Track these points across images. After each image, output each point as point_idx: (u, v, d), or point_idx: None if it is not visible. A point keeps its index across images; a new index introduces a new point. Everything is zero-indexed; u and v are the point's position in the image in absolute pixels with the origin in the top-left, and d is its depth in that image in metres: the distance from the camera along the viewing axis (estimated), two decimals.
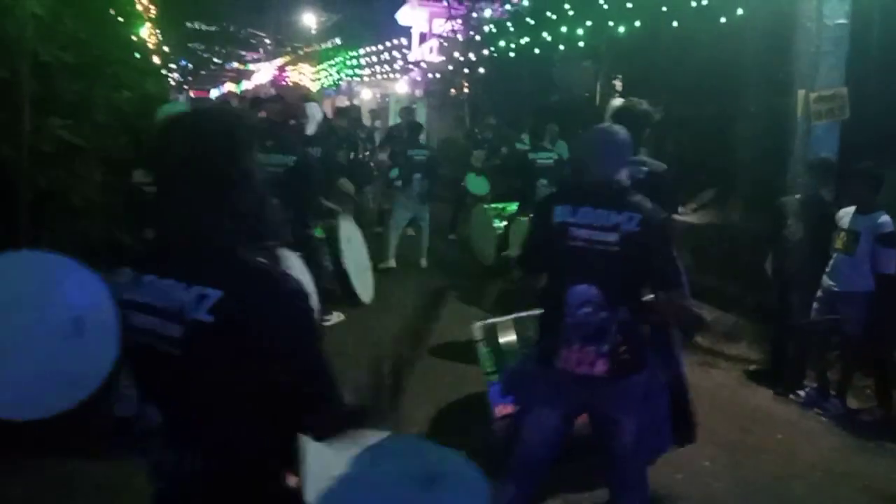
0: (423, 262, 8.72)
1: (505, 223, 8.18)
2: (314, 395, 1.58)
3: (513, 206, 8.31)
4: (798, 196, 5.39)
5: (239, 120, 1.69)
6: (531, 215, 3.13)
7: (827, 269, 4.97)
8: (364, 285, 5.95)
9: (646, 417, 2.85)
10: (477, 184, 9.76)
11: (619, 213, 2.61)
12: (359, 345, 5.23)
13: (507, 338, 4.08)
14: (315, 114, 6.55)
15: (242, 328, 1.46)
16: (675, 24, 8.33)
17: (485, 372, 4.03)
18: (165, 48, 12.28)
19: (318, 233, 5.75)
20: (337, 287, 5.77)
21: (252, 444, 1.55)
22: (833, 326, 4.99)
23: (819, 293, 5.03)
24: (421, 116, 18.19)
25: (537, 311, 2.98)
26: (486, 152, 10.19)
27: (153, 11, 9.67)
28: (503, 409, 3.79)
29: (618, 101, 4.08)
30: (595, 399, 2.75)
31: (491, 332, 4.10)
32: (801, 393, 5.18)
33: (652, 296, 2.77)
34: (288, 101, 6.40)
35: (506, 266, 8.06)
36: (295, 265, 1.84)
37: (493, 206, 8.87)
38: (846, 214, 4.91)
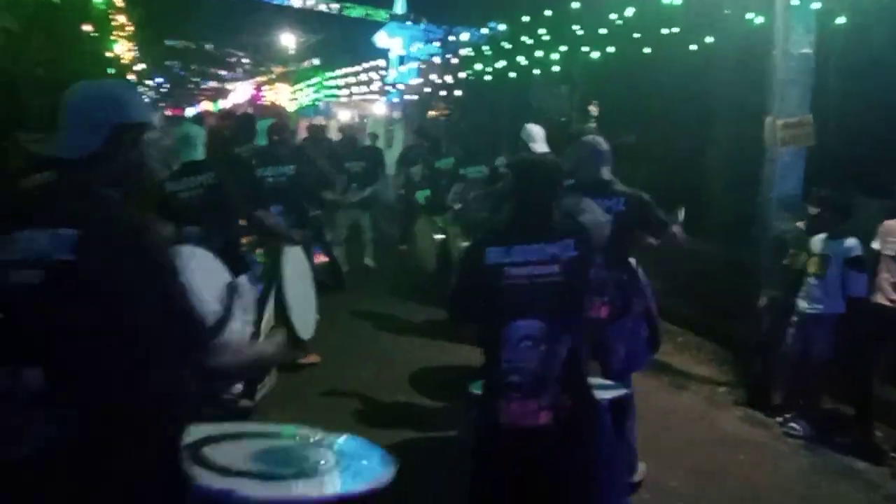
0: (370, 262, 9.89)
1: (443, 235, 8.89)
2: (187, 338, 1.62)
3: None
4: (799, 224, 5.46)
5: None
6: (462, 258, 3.14)
7: (800, 293, 5.10)
8: (305, 319, 5.50)
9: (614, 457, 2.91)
10: (421, 196, 10.25)
11: (553, 243, 2.60)
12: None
13: None
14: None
15: (104, 269, 1.50)
16: (647, 50, 8.47)
17: None
18: (142, 65, 12.23)
19: (259, 258, 5.33)
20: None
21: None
22: (803, 349, 5.07)
23: (793, 317, 5.15)
24: (399, 137, 18.26)
25: None
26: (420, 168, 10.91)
27: (129, 28, 9.65)
28: None
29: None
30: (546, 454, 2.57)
31: None
32: (788, 417, 5.19)
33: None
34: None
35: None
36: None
37: (433, 217, 9.29)
38: (818, 240, 5.07)
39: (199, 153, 4.78)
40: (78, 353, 1.51)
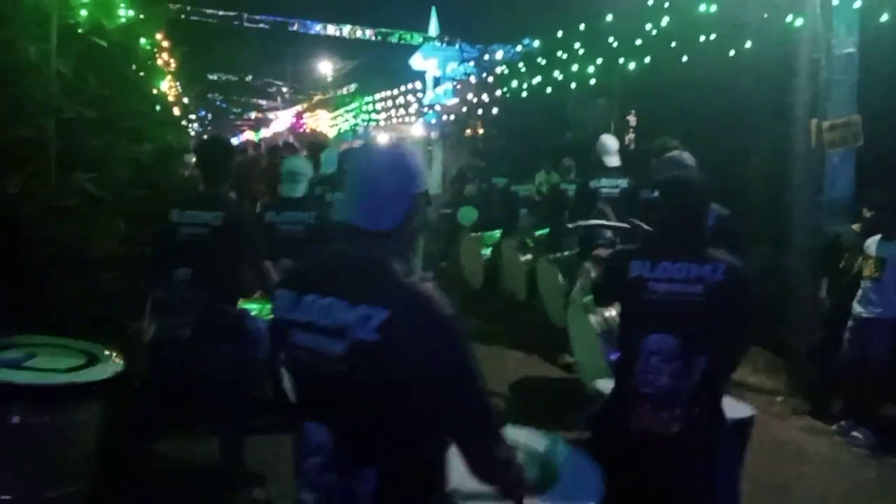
0: None
1: (490, 249, 8.94)
2: (474, 433, 1.60)
3: (496, 234, 9.07)
4: (855, 226, 5.34)
5: None
6: (604, 264, 3.12)
7: (856, 297, 4.99)
8: None
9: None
10: (466, 214, 10.28)
11: (702, 265, 2.57)
12: None
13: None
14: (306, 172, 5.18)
15: (405, 348, 1.51)
16: (684, 58, 8.41)
17: None
18: (185, 99, 12.58)
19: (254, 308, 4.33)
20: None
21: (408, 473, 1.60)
22: (861, 354, 4.94)
23: (850, 322, 5.02)
24: (437, 157, 18.39)
25: None
26: (476, 186, 11.23)
27: (173, 65, 9.94)
28: None
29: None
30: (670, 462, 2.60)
31: None
32: (842, 425, 5.07)
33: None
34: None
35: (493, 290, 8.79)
36: None
37: (478, 234, 9.46)
38: (873, 242, 4.96)
39: (301, 189, 4.81)
40: (369, 422, 1.58)
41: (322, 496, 1.63)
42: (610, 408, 2.74)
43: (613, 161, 6.28)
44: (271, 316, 1.79)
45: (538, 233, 8.48)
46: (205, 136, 8.71)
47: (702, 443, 2.60)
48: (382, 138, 20.79)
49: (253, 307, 4.14)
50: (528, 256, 8.10)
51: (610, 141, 6.41)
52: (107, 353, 3.37)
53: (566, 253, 7.14)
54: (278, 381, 3.99)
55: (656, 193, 3.12)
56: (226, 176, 3.85)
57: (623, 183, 6.11)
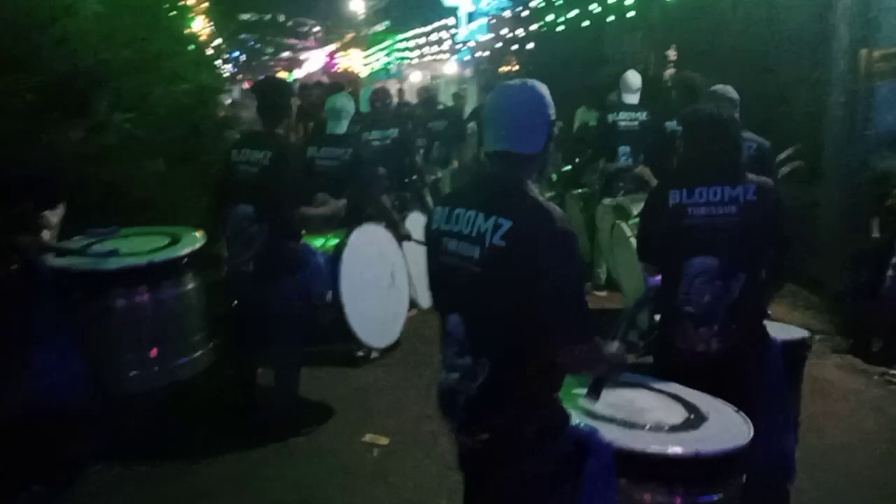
0: None
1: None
2: (569, 328, 1.89)
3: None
4: None
5: None
6: (647, 201, 3.10)
7: None
8: (379, 327, 4.79)
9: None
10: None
11: (734, 187, 2.71)
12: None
13: None
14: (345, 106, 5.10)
15: (524, 254, 1.83)
16: None
17: None
18: (218, 40, 12.54)
19: (318, 243, 4.47)
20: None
21: (526, 364, 1.91)
22: None
23: (893, 259, 4.91)
24: (471, 96, 18.14)
25: None
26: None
27: (205, 4, 9.89)
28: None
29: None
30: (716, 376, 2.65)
31: None
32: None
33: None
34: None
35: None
36: None
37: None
38: None
39: (342, 127, 4.94)
40: (495, 317, 1.90)
41: (455, 377, 1.97)
42: (661, 332, 2.88)
43: (632, 98, 6.33)
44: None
45: (564, 169, 8.39)
46: (262, 77, 8.80)
47: (744, 361, 2.72)
48: (416, 77, 20.61)
49: (317, 242, 4.38)
50: (551, 193, 7.91)
51: (632, 77, 6.36)
52: (184, 231, 3.83)
53: (586, 189, 7.16)
54: (341, 312, 4.20)
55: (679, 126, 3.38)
56: (284, 116, 4.06)
57: (642, 116, 6.17)
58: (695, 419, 2.31)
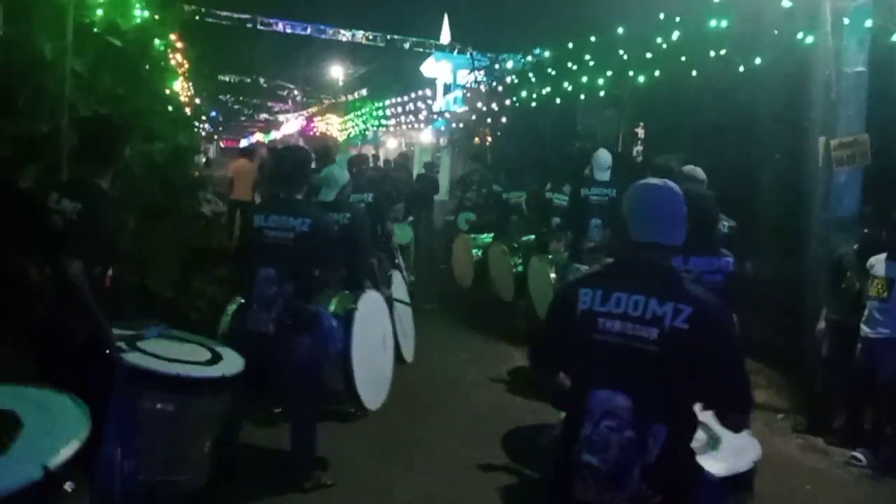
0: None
1: (479, 251, 9.50)
2: (739, 399, 2.21)
3: (487, 237, 9.64)
4: (856, 247, 5.32)
5: None
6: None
7: (863, 318, 4.96)
8: (374, 389, 4.80)
9: None
10: (464, 220, 11.38)
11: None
12: None
13: None
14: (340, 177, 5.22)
15: (706, 337, 2.10)
16: (694, 73, 8.42)
17: None
18: (197, 100, 12.67)
19: (331, 307, 4.55)
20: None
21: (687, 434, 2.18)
22: (869, 376, 4.92)
23: (859, 343, 5.00)
24: (445, 164, 18.42)
25: None
26: (476, 193, 11.88)
27: (186, 66, 10.02)
28: None
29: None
30: None
31: None
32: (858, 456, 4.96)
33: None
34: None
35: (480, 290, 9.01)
36: None
37: (473, 236, 9.94)
38: (878, 261, 4.92)
39: (333, 195, 5.02)
40: (667, 389, 2.11)
41: (608, 455, 2.07)
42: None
43: (604, 176, 6.60)
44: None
45: (524, 238, 8.81)
46: (280, 147, 9.12)
47: None
48: (392, 143, 20.99)
49: (330, 304, 4.50)
50: (516, 260, 8.48)
51: (604, 156, 6.69)
52: (224, 349, 3.72)
53: (554, 255, 7.57)
54: (349, 374, 4.35)
55: None
56: (305, 183, 4.24)
57: (612, 192, 6.42)
58: None
